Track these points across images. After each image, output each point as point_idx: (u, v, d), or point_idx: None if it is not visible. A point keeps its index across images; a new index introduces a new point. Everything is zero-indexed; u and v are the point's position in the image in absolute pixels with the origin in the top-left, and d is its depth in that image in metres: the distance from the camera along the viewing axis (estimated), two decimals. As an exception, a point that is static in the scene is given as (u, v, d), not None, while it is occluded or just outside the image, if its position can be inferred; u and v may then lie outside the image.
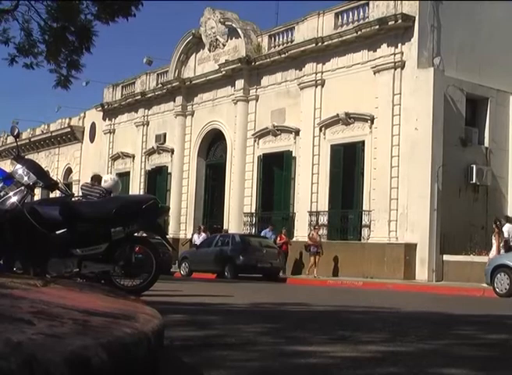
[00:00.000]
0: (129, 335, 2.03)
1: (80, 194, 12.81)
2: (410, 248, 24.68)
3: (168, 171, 37.72)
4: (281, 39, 31.87)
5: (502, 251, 20.09)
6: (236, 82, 33.20)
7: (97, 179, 13.10)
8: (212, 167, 36.05)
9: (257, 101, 32.42)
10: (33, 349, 1.45)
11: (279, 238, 27.78)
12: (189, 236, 34.37)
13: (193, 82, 36.10)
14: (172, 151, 37.38)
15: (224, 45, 34.66)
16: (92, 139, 46.26)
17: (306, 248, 26.69)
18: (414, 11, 25.83)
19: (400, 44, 26.16)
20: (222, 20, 34.21)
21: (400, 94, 25.83)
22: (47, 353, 1.45)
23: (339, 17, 28.89)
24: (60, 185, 9.18)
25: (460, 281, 22.20)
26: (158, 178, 38.93)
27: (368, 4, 27.65)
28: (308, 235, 27.16)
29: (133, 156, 40.77)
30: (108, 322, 2.22)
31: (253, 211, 31.89)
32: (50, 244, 8.29)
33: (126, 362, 1.87)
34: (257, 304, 9.16)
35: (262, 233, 28.41)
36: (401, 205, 25.35)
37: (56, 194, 9.99)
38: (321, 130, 28.82)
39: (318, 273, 25.79)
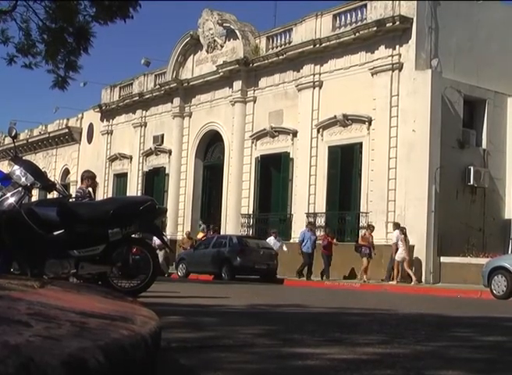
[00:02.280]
0: (126, 337, 2.03)
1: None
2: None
3: (166, 172, 37.72)
4: (279, 40, 31.90)
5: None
6: (234, 83, 33.21)
7: (82, 177, 12.95)
8: (210, 168, 36.05)
9: (254, 102, 32.44)
10: (31, 352, 1.45)
11: (321, 239, 25.81)
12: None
13: (191, 83, 36.11)
14: (170, 152, 37.38)
15: (222, 47, 34.68)
16: (90, 140, 46.25)
17: (356, 249, 24.61)
18: (411, 13, 25.87)
19: (397, 46, 26.20)
20: (220, 22, 34.24)
21: (398, 95, 25.85)
22: (44, 356, 1.45)
23: (337, 19, 28.93)
24: (58, 186, 9.18)
25: (457, 283, 22.21)
26: (155, 179, 38.93)
27: (365, 6, 27.69)
28: (362, 235, 25.21)
29: (131, 157, 40.77)
30: (105, 324, 2.22)
31: (250, 212, 31.90)
32: (47, 245, 8.29)
33: (123, 364, 1.87)
34: (254, 305, 9.15)
35: (300, 235, 26.14)
36: (398, 206, 25.37)
37: (54, 195, 9.99)
38: (318, 131, 28.84)
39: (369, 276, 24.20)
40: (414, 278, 23.21)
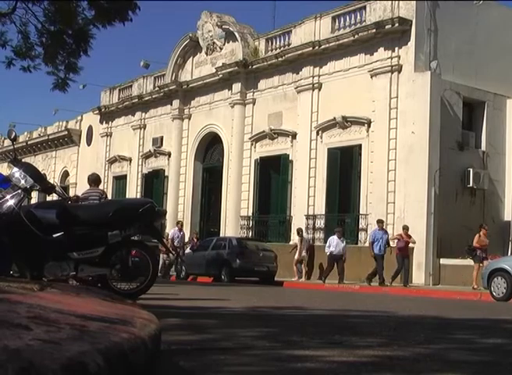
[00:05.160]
0: (126, 340, 2.03)
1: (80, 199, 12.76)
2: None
3: (165, 174, 37.71)
4: (278, 42, 31.90)
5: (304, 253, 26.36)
6: (233, 85, 33.21)
7: (94, 180, 13.12)
8: (209, 171, 36.05)
9: (254, 104, 32.43)
10: (31, 356, 1.45)
11: (396, 239, 23.20)
12: (186, 240, 34.33)
13: (190, 85, 36.11)
14: (169, 154, 37.37)
15: (221, 49, 34.69)
16: (89, 142, 46.25)
17: (469, 252, 21.92)
18: (410, 15, 25.87)
19: (396, 48, 26.20)
20: (219, 24, 34.24)
21: (397, 97, 25.85)
22: (44, 360, 1.44)
23: (336, 21, 28.92)
24: (57, 188, 9.17)
25: (456, 285, 22.20)
26: (154, 181, 38.91)
27: (364, 8, 27.69)
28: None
29: (130, 159, 40.76)
30: (105, 327, 2.22)
31: (250, 214, 31.88)
32: (47, 247, 8.28)
33: (123, 368, 1.87)
34: (254, 308, 9.15)
35: (371, 235, 23.68)
36: (398, 208, 25.35)
37: (53, 197, 9.99)
38: (318, 133, 28.83)
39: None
40: (303, 277, 25.90)
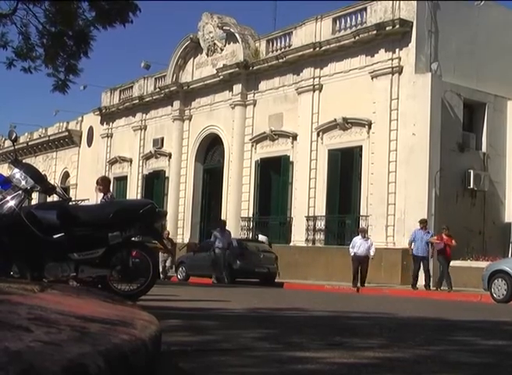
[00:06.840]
0: (126, 342, 2.03)
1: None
2: (407, 254, 24.58)
3: (166, 175, 37.71)
4: (279, 44, 31.90)
5: None
6: (234, 87, 33.21)
7: (105, 183, 13.06)
8: (210, 172, 36.04)
9: (254, 105, 32.44)
10: (31, 358, 1.45)
11: (436, 239, 21.86)
12: (186, 241, 34.36)
13: (191, 86, 36.12)
14: (170, 155, 37.37)
15: (222, 50, 34.70)
16: (90, 143, 46.25)
17: None
18: (411, 16, 25.88)
19: (397, 50, 26.21)
20: (219, 25, 34.25)
21: (398, 99, 25.85)
22: (45, 362, 1.44)
23: (337, 22, 28.93)
24: (58, 189, 9.18)
25: (457, 287, 22.18)
26: (155, 182, 38.91)
27: (365, 9, 27.70)
28: None
29: (131, 160, 40.76)
30: (105, 328, 2.22)
31: (250, 215, 31.88)
32: (47, 248, 8.28)
33: (123, 369, 1.87)
34: (254, 309, 9.14)
35: (411, 235, 22.47)
36: (398, 210, 25.35)
37: (54, 198, 10.00)
38: (318, 134, 28.83)
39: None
40: None
